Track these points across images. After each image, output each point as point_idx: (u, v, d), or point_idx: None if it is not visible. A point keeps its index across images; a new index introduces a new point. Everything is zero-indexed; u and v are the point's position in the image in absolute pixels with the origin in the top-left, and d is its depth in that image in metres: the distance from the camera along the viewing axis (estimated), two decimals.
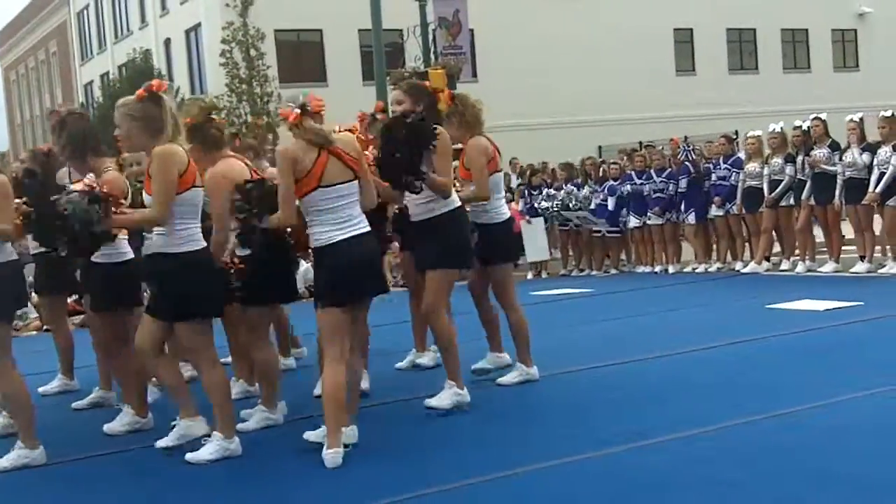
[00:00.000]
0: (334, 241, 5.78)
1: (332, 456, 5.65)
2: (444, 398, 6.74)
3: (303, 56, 34.53)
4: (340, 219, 5.81)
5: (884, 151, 12.95)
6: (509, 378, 7.54)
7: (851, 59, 44.03)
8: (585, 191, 16.79)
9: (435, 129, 6.47)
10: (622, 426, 6.09)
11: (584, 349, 8.92)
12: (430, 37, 24.44)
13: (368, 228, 5.96)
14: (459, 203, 6.90)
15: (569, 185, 17.02)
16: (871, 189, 12.99)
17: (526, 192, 17.64)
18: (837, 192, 13.52)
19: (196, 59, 36.82)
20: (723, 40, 41.05)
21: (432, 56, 23.98)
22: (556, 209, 16.94)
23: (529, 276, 17.39)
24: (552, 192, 17.16)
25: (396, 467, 5.64)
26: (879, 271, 13.15)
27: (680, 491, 4.81)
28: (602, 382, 7.55)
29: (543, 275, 17.66)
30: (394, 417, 6.95)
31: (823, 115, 14.09)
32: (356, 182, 5.92)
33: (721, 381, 7.35)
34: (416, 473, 5.45)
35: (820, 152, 13.68)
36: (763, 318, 10.05)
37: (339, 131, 6.18)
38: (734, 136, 16.42)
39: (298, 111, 5.87)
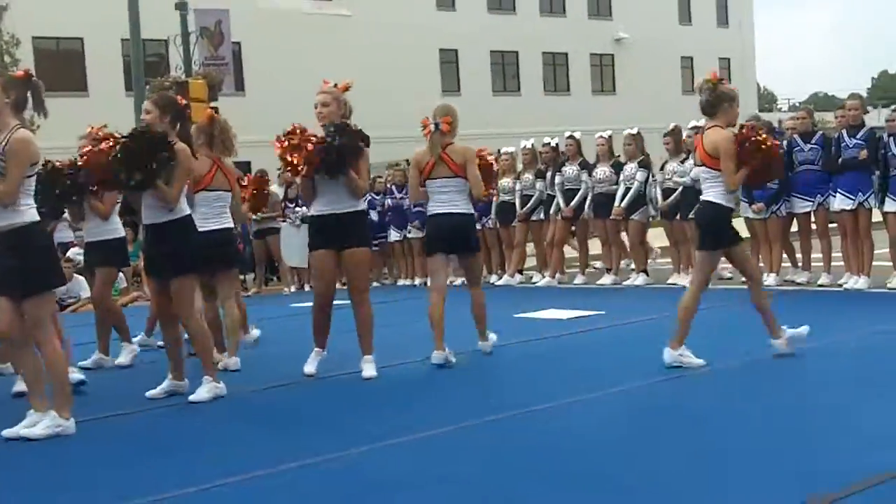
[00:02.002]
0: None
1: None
2: (205, 391, 7.27)
3: (62, 64, 33.30)
4: None
5: (629, 168, 13.60)
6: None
7: (609, 82, 46.00)
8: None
9: (170, 143, 7.09)
10: (364, 427, 6.18)
11: (337, 357, 8.95)
12: (192, 47, 24.04)
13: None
14: (188, 212, 7.42)
15: None
16: (616, 204, 13.60)
17: (284, 203, 17.55)
18: (587, 207, 14.09)
19: None
20: (487, 62, 42.13)
21: (194, 66, 23.58)
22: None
23: (293, 288, 17.28)
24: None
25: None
26: (624, 283, 13.77)
27: (414, 490, 4.90)
28: (347, 387, 7.64)
29: (307, 288, 17.60)
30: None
31: (578, 134, 14.65)
32: None
33: (465, 383, 7.61)
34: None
35: (570, 168, 14.24)
36: (511, 326, 10.36)
37: None
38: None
39: None
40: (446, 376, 7.88)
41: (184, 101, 7.73)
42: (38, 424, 6.35)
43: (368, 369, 7.85)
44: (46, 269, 6.40)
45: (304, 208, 17.12)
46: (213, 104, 19.99)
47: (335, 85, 8.08)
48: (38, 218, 6.37)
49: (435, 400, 7.05)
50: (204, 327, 7.69)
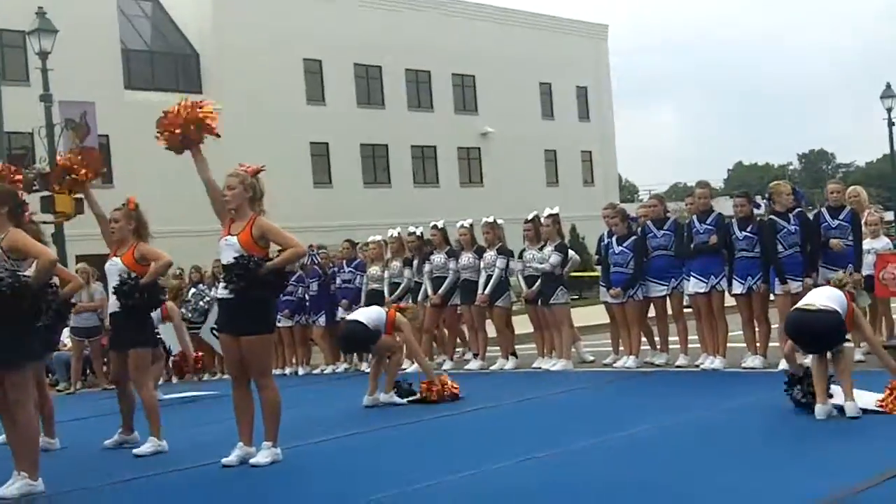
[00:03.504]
0: None
1: None
2: (15, 487, 6.98)
3: None
4: None
5: (489, 255, 13.93)
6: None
7: (476, 174, 46.77)
8: (213, 292, 16.80)
9: None
10: None
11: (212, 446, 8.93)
12: (57, 139, 23.81)
13: None
14: None
15: (199, 286, 17.06)
16: (479, 291, 13.89)
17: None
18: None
19: None
20: (357, 155, 42.48)
21: (59, 157, 23.28)
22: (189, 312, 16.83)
23: (160, 380, 16.98)
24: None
25: None
26: (491, 368, 13.99)
27: None
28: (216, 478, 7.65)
29: (174, 380, 17.38)
30: None
31: (441, 223, 15.00)
32: None
33: (321, 469, 7.76)
34: None
35: (438, 256, 14.56)
36: (377, 410, 10.58)
37: None
38: (356, 242, 16.78)
39: None
40: (308, 463, 7.95)
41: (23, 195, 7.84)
42: None
43: (259, 456, 7.63)
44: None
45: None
46: (78, 195, 19.80)
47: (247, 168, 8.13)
48: None
49: (291, 487, 7.09)
50: (35, 423, 7.34)
